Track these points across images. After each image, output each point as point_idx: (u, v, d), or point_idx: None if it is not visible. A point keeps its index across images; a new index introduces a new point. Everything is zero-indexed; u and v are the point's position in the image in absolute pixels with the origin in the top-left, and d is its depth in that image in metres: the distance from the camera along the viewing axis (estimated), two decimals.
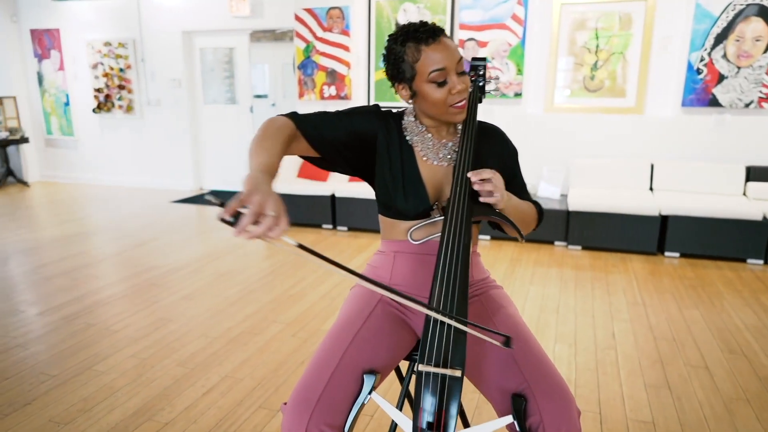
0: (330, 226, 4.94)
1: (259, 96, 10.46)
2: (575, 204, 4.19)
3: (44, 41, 6.76)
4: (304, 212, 4.89)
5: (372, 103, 5.24)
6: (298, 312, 3.07)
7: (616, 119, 4.63)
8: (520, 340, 1.23)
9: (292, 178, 5.12)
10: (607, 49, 4.55)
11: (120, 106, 6.61)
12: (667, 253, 4.10)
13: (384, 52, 1.29)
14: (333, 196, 4.81)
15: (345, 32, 5.12)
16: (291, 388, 2.29)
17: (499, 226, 1.35)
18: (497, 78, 1.50)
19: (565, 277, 3.69)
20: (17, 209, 5.83)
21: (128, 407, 2.15)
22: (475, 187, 1.20)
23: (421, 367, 1.05)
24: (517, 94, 4.80)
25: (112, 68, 6.53)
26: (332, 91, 5.29)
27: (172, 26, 6.24)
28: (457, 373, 1.04)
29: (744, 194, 4.24)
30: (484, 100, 1.51)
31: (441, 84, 1.22)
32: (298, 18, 5.25)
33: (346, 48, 5.14)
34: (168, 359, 2.54)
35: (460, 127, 1.36)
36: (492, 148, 1.38)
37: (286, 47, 9.92)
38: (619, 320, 2.99)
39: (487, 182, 1.20)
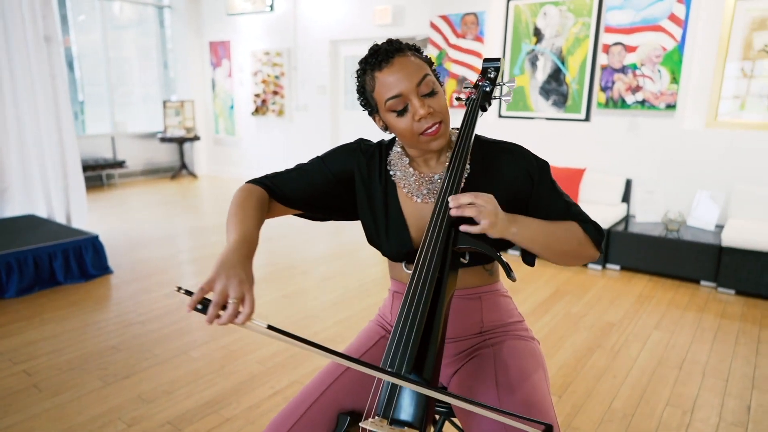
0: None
1: None
2: (732, 238, 3.50)
3: (218, 51, 7.67)
4: None
5: (502, 112, 4.98)
6: None
7: None
8: (534, 414, 1.01)
9: None
10: None
11: (273, 110, 7.22)
12: None
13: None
14: None
15: (479, 38, 4.94)
16: None
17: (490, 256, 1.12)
18: (512, 82, 1.21)
19: (703, 325, 3.10)
20: (186, 198, 6.70)
21: (203, 396, 2.30)
22: (452, 213, 1.01)
23: (363, 424, 0.92)
24: (670, 106, 4.16)
25: (269, 75, 7.16)
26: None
27: (321, 36, 6.63)
28: None
29: None
30: (507, 103, 1.26)
31: (401, 112, 1.06)
32: (433, 25, 5.20)
33: (478, 55, 4.95)
34: (251, 355, 2.67)
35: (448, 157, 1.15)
36: (505, 169, 1.14)
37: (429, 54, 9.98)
38: (764, 391, 2.41)
39: (469, 207, 0.99)
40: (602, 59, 4.39)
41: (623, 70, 4.31)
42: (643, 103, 4.27)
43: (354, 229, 5.16)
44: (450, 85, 5.21)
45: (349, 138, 6.58)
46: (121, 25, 7.65)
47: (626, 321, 3.13)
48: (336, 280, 3.76)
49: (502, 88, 1.23)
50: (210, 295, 0.86)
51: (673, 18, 4.03)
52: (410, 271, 1.15)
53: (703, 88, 4.08)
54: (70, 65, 7.04)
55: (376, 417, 0.94)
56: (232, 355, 2.66)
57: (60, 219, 4.45)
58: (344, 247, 4.57)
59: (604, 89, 4.42)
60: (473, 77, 5.04)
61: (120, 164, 7.22)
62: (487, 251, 1.03)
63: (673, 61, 4.08)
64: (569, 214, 1.13)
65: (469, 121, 1.14)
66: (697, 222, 4.02)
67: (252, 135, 7.68)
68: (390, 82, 1.05)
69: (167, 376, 2.46)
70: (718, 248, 3.60)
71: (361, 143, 1.25)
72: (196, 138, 7.84)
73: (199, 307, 0.84)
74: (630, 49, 4.25)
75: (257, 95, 7.32)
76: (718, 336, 2.96)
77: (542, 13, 4.64)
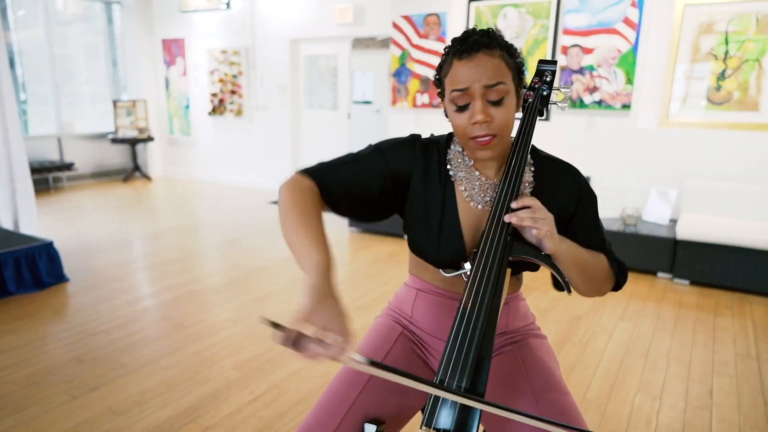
0: None
1: (366, 102, 10.69)
2: (686, 232, 3.68)
3: (172, 50, 7.43)
4: None
5: None
6: (359, 326, 3.01)
7: (745, 137, 4.00)
8: (555, 406, 1.05)
9: None
10: (739, 55, 3.95)
11: (231, 110, 7.06)
12: None
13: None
14: None
15: (441, 39, 4.99)
16: None
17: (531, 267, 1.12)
18: (568, 88, 1.20)
19: (663, 315, 3.25)
20: (140, 201, 6.45)
21: (179, 405, 2.22)
22: (513, 221, 0.98)
23: None
24: (626, 106, 4.34)
25: (226, 74, 6.99)
26: (425, 99, 5.19)
27: (280, 34, 6.53)
28: None
29: None
30: (564, 110, 1.23)
31: (461, 108, 1.02)
32: (395, 25, 5.22)
33: (441, 55, 5.00)
34: (226, 361, 2.60)
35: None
36: (559, 186, 1.12)
37: (389, 54, 10.03)
38: (723, 375, 2.54)
39: (528, 219, 0.98)
40: (561, 60, 4.53)
41: (581, 71, 4.46)
42: (600, 103, 4.43)
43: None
44: (413, 85, 5.24)
45: (310, 138, 6.54)
46: (66, 20, 7.29)
47: (592, 313, 3.24)
48: None
49: (558, 92, 1.18)
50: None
51: (627, 21, 4.20)
52: (447, 275, 1.13)
53: (655, 88, 4.28)
54: (11, 62, 6.64)
55: (424, 427, 0.93)
56: (205, 362, 2.58)
57: (6, 225, 4.19)
58: None
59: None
60: None
61: (68, 167, 6.87)
62: (545, 262, 1.02)
63: (628, 62, 4.26)
64: (603, 248, 1.15)
65: (528, 126, 1.10)
66: (652, 217, 4.21)
67: (209, 135, 7.48)
68: (462, 74, 0.99)
69: (138, 386, 2.36)
70: (673, 241, 3.78)
71: (418, 139, 1.16)
72: (150, 139, 7.56)
73: (289, 344, 0.76)
74: (587, 50, 4.40)
75: (214, 94, 7.14)
76: (678, 325, 3.11)
77: (502, 15, 4.74)
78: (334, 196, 1.09)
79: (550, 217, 1.00)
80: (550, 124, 4.70)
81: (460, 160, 1.12)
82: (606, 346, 2.82)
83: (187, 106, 7.50)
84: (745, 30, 3.91)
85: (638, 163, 4.37)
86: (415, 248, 1.16)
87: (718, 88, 4.06)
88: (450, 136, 1.18)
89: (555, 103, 1.18)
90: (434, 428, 0.93)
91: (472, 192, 1.11)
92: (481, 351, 0.93)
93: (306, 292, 0.81)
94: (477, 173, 1.11)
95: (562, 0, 4.46)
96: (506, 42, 1.05)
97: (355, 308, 3.25)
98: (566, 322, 3.11)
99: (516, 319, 1.24)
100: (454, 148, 1.14)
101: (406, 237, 1.19)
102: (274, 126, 6.87)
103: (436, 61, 5.06)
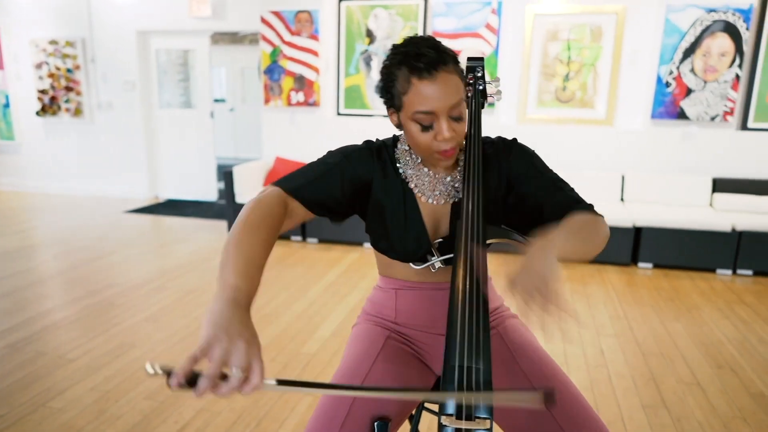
0: (299, 238, 4.74)
1: (216, 100, 10.13)
2: None
3: None
4: None
5: (341, 110, 5.09)
6: (273, 334, 2.87)
7: (588, 131, 4.66)
8: (551, 380, 1.11)
9: (258, 186, 4.89)
10: (579, 60, 4.58)
11: (67, 109, 6.17)
12: (640, 264, 4.13)
13: (382, 64, 1.07)
14: None
15: (314, 36, 4.94)
16: (275, 420, 2.10)
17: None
18: (498, 79, 1.23)
19: None
20: None
21: None
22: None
23: (444, 420, 0.92)
24: (490, 104, 4.75)
25: (58, 68, 6.09)
26: (300, 97, 5.10)
27: (125, 25, 5.88)
28: (486, 425, 0.91)
29: (710, 205, 4.34)
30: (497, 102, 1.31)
31: (425, 127, 1.03)
32: (264, 21, 5.03)
33: (314, 53, 4.96)
34: (134, 391, 2.29)
35: (462, 159, 1.15)
36: (496, 164, 1.16)
37: (246, 50, 9.64)
38: (606, 335, 2.95)
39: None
40: None
41: None
42: None
43: (202, 234, 4.73)
44: (286, 83, 5.11)
45: (168, 139, 6.04)
46: None
47: None
48: (201, 293, 3.42)
49: (494, 84, 1.23)
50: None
51: (488, 27, 4.60)
52: (416, 267, 1.17)
53: (514, 88, 4.75)
54: None
55: (444, 416, 0.93)
56: (108, 397, 2.25)
57: None
58: (196, 256, 4.17)
59: None
60: (311, 76, 5.02)
61: None
62: (514, 239, 1.08)
63: (491, 64, 4.67)
64: (566, 194, 1.17)
65: (476, 120, 1.14)
66: None
67: (39, 139, 6.45)
68: (426, 95, 0.99)
69: None
70: None
71: (371, 144, 1.19)
72: None
73: (184, 383, 0.66)
74: (455, 52, 4.71)
75: (43, 92, 6.17)
76: None
77: (373, 15, 4.85)
78: (308, 204, 1.09)
79: (544, 275, 0.85)
80: None
81: (408, 158, 1.17)
82: None
83: (7, 105, 6.37)
84: (582, 38, 4.54)
85: None
86: (382, 247, 1.19)
87: (564, 88, 4.65)
88: (395, 138, 1.21)
89: (492, 96, 1.25)
90: (458, 417, 0.94)
91: (422, 188, 1.16)
92: (485, 326, 0.95)
93: (206, 321, 0.73)
94: (426, 169, 1.16)
95: (429, 3, 4.72)
96: (451, 51, 1.04)
97: (261, 317, 3.09)
98: None
99: (494, 299, 1.30)
100: (401, 147, 1.18)
101: (369, 240, 1.22)
102: (123, 127, 6.17)
103: (310, 58, 4.99)
